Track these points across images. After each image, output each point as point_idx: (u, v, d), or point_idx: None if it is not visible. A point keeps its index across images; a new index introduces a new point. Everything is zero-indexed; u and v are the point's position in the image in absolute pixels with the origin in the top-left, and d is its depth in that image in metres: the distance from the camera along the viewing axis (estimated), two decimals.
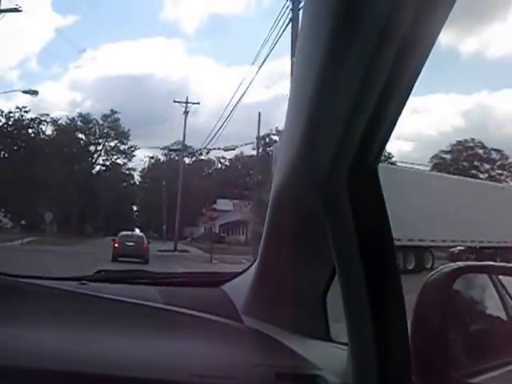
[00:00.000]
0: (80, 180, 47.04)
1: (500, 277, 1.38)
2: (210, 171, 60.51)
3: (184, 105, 37.69)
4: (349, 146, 0.90)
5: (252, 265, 1.48)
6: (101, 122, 52.97)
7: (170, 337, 1.13)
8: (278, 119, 50.14)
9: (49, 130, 50.72)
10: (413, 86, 0.84)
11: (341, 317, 1.01)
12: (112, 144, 54.76)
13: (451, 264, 1.25)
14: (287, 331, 1.33)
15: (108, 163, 56.06)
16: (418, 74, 0.84)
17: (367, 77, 0.81)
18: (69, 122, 51.63)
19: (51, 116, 50.04)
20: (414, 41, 0.77)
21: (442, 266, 1.22)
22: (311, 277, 1.34)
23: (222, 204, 50.68)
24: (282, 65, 56.95)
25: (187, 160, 59.26)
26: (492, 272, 1.38)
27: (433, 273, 1.16)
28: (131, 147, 54.85)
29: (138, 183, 64.48)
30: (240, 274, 1.59)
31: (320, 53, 0.83)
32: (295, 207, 1.16)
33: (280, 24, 18.03)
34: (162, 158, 61.99)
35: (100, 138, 54.21)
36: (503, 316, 1.38)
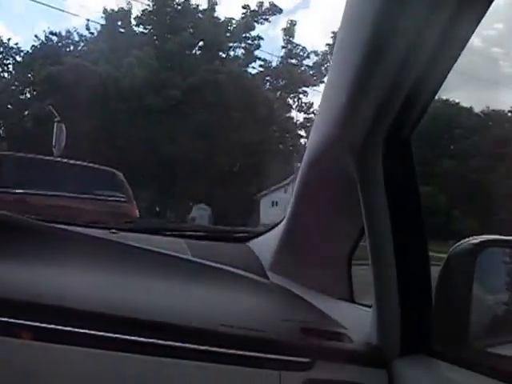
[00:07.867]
0: None
1: None
2: None
3: None
4: (387, 114, 0.92)
5: (280, 222, 1.49)
6: None
7: (198, 287, 1.14)
8: None
9: None
10: (455, 61, 0.85)
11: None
12: None
13: (476, 237, 1.25)
14: (312, 290, 1.35)
15: None
16: (462, 49, 0.83)
17: (413, 45, 0.81)
18: None
19: None
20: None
21: (467, 239, 1.22)
22: (339, 238, 1.36)
23: None
24: None
25: None
26: None
27: (457, 244, 1.16)
28: None
29: None
30: (267, 231, 1.60)
31: (368, 13, 0.82)
32: (329, 167, 1.18)
33: None
34: None
35: None
36: None
